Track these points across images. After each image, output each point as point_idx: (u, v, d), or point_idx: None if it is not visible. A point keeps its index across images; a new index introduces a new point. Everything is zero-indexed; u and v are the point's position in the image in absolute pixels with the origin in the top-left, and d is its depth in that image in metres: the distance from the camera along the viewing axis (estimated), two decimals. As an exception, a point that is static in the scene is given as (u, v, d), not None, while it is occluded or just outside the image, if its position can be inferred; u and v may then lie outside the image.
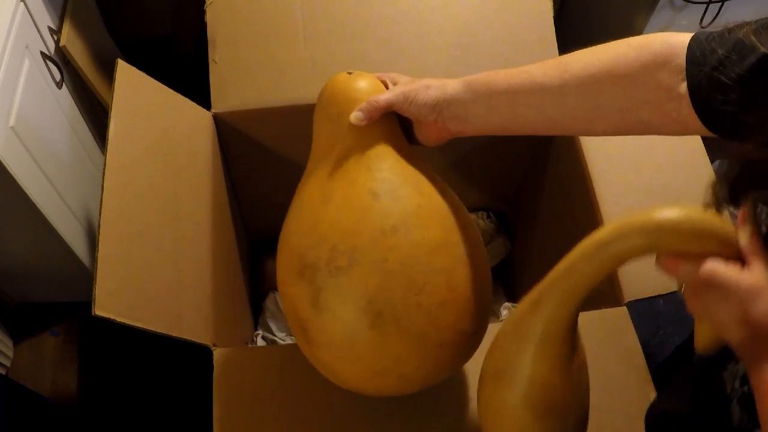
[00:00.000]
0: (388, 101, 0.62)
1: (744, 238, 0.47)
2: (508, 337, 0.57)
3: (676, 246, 0.47)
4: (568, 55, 0.57)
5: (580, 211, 0.90)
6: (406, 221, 0.59)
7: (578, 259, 0.51)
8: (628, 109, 0.55)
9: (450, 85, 0.61)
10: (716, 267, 0.46)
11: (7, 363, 1.32)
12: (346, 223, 0.59)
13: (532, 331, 0.54)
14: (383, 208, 0.58)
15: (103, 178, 0.69)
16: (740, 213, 0.48)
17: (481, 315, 0.64)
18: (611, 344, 0.76)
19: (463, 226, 0.64)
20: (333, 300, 0.59)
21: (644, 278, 0.79)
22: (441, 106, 0.61)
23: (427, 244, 0.59)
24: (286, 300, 0.64)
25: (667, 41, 0.52)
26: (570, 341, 0.55)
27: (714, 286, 0.46)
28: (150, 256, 0.71)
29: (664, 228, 0.47)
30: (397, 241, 0.58)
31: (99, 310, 0.61)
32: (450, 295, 0.59)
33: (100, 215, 0.67)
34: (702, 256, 0.47)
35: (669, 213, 0.47)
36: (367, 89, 0.64)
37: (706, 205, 0.48)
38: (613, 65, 0.54)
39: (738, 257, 0.47)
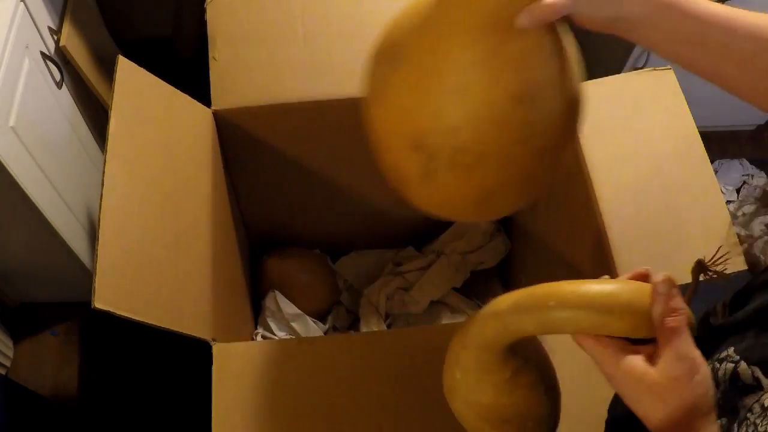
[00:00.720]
0: (565, 6, 0.50)
1: (656, 316, 0.46)
2: (450, 365, 0.59)
3: (587, 329, 0.47)
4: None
5: (580, 210, 0.90)
6: (543, 133, 0.53)
7: (479, 321, 0.54)
8: None
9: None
10: (619, 361, 0.46)
11: (7, 363, 1.32)
12: (480, 124, 0.52)
13: (468, 364, 0.56)
14: (523, 118, 0.52)
15: (103, 172, 0.70)
16: (659, 283, 0.47)
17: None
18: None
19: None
20: (443, 187, 0.56)
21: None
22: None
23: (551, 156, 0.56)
24: (383, 148, 0.60)
25: None
26: (509, 364, 0.55)
27: (622, 375, 0.46)
28: (149, 250, 0.71)
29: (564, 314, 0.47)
30: (527, 150, 0.53)
31: (98, 303, 0.61)
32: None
33: (100, 209, 0.67)
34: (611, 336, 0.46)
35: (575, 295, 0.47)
36: None
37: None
38: None
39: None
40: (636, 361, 0.45)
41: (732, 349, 0.53)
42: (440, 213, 0.63)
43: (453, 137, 0.53)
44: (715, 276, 0.48)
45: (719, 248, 0.56)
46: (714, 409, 0.45)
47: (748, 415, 0.47)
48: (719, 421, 0.51)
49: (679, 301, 0.46)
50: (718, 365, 0.53)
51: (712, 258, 0.49)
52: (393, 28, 0.59)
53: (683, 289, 0.48)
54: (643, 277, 0.49)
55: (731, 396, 0.50)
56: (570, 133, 0.57)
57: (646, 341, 0.46)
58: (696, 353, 0.45)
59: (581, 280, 0.48)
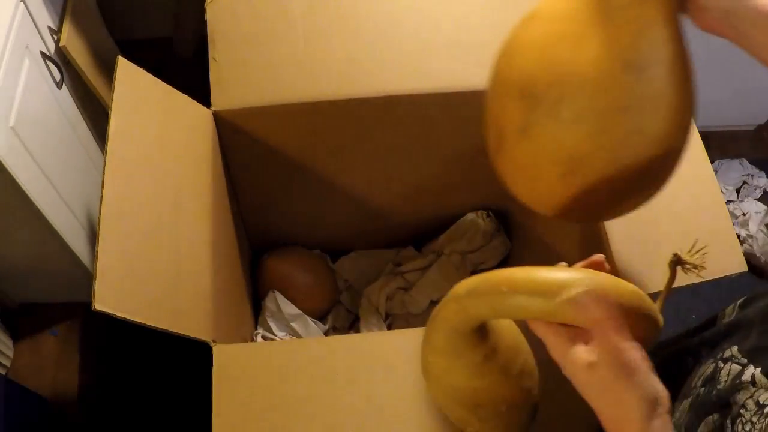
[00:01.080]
0: None
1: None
2: (424, 348, 0.59)
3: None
4: None
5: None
6: (642, 106, 0.53)
7: (443, 305, 0.54)
8: None
9: None
10: (567, 350, 0.45)
11: (7, 363, 1.33)
12: (586, 80, 0.53)
13: (439, 346, 0.56)
14: (627, 85, 0.52)
15: (103, 173, 0.70)
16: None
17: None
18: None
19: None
20: (536, 145, 0.57)
21: (644, 277, 0.78)
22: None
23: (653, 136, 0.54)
24: (494, 94, 0.62)
25: None
26: (479, 348, 0.55)
27: (569, 364, 0.46)
28: (149, 251, 0.71)
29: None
30: (623, 122, 0.53)
31: (99, 305, 0.61)
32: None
33: (100, 210, 0.67)
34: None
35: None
36: None
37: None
38: None
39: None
40: (581, 352, 0.45)
41: (736, 348, 0.53)
42: (522, 182, 0.63)
43: (558, 87, 0.54)
44: (693, 269, 0.48)
45: (696, 241, 0.55)
46: (661, 403, 0.43)
47: (742, 411, 0.47)
48: (710, 417, 0.51)
49: (607, 306, 0.45)
50: (721, 365, 0.53)
51: (689, 251, 0.49)
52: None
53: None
54: (599, 266, 0.49)
55: (725, 394, 0.50)
56: (676, 128, 0.55)
57: None
58: (630, 353, 0.43)
59: (535, 267, 0.48)
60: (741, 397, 0.48)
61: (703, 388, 0.55)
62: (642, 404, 0.42)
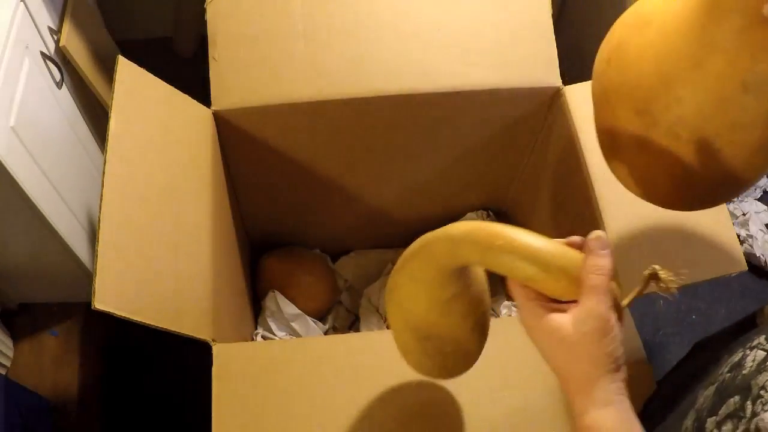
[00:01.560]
0: None
1: (582, 271, 0.48)
2: (397, 269, 0.61)
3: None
4: None
5: (580, 210, 0.90)
6: (756, 124, 0.54)
7: (434, 237, 0.56)
8: None
9: None
10: (540, 315, 0.49)
11: (7, 363, 1.32)
12: (705, 101, 0.54)
13: (412, 272, 0.59)
14: (746, 105, 0.54)
15: (103, 172, 0.70)
16: (592, 239, 0.49)
17: None
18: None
19: None
20: (652, 160, 0.59)
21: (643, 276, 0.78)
22: None
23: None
24: (608, 104, 0.62)
25: None
26: (449, 287, 0.58)
27: (540, 326, 0.49)
28: (149, 251, 0.71)
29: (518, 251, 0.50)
30: (739, 139, 0.55)
31: (98, 304, 0.61)
32: None
33: (100, 210, 0.67)
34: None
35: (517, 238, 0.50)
36: None
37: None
38: None
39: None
40: (554, 316, 0.48)
41: (763, 337, 0.55)
42: (636, 185, 0.65)
43: (678, 106, 0.55)
44: (663, 286, 0.49)
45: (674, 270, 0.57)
46: (621, 370, 0.47)
47: (762, 392, 0.49)
48: (732, 399, 0.52)
49: (606, 261, 0.48)
50: (748, 352, 0.55)
51: (665, 269, 0.50)
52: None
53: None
54: (579, 246, 0.51)
55: (749, 378, 0.51)
56: None
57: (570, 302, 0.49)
58: (610, 315, 0.47)
59: (533, 233, 0.51)
60: (762, 379, 0.49)
61: (729, 374, 0.56)
62: (608, 361, 0.46)
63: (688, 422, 0.57)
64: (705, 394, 0.58)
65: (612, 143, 0.64)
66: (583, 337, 0.46)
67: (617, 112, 0.61)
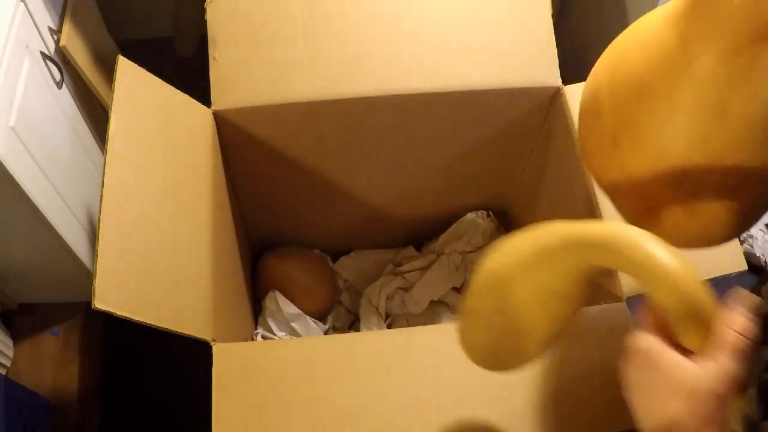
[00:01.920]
0: None
1: (725, 325, 0.43)
2: (542, 229, 0.55)
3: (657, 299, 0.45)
4: None
5: (580, 210, 0.90)
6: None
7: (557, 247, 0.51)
8: None
9: None
10: (664, 347, 0.44)
11: (7, 363, 1.32)
12: (741, 141, 0.50)
13: (546, 248, 0.53)
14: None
15: (104, 172, 0.70)
16: (734, 297, 0.44)
17: None
18: (611, 339, 0.76)
19: None
20: (706, 217, 0.54)
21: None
22: None
23: None
24: (639, 192, 0.57)
25: None
26: (567, 285, 0.53)
27: (662, 358, 0.44)
28: (149, 250, 0.71)
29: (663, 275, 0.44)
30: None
31: (99, 303, 0.61)
32: None
33: (100, 210, 0.67)
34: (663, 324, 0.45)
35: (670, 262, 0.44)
36: None
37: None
38: None
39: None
40: (680, 355, 0.43)
41: None
42: (697, 245, 0.59)
43: (718, 162, 0.51)
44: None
45: None
46: None
47: None
48: (749, 391, 0.52)
49: (747, 323, 0.43)
50: None
51: None
52: (629, 59, 0.58)
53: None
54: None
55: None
56: None
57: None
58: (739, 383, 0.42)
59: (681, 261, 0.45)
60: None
61: (765, 374, 0.55)
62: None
63: None
64: (745, 398, 0.58)
65: (657, 222, 0.58)
66: (709, 395, 0.41)
67: (650, 187, 0.56)
